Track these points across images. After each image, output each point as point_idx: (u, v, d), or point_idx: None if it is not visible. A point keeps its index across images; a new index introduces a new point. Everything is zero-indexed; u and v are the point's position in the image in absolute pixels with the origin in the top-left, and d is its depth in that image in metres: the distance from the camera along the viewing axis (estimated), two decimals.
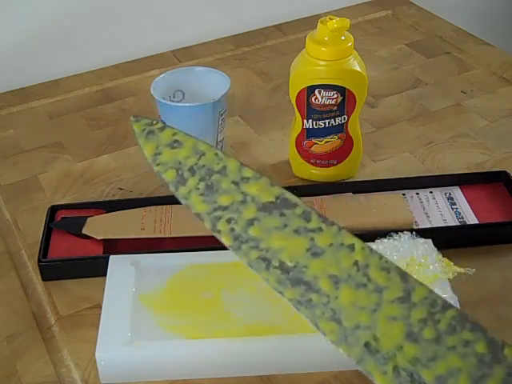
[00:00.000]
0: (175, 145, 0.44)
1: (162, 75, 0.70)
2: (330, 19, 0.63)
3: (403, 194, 0.67)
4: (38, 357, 0.54)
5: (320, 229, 0.40)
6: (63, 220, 0.64)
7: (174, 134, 0.44)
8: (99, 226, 0.63)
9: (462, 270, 0.54)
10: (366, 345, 0.37)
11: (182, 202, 0.42)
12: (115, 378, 0.51)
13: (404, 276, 0.39)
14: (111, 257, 0.57)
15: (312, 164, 0.70)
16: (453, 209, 0.66)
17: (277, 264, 0.40)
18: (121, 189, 0.71)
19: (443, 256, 0.55)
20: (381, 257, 0.39)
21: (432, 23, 1.03)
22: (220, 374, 0.51)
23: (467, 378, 0.36)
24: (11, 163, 0.76)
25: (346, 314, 0.38)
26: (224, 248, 0.58)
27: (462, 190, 0.68)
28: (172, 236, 0.62)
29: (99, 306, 0.54)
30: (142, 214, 0.63)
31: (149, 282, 0.55)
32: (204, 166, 0.43)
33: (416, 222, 0.64)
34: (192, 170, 0.43)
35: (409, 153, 0.75)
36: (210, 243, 0.61)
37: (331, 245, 0.40)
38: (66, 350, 0.55)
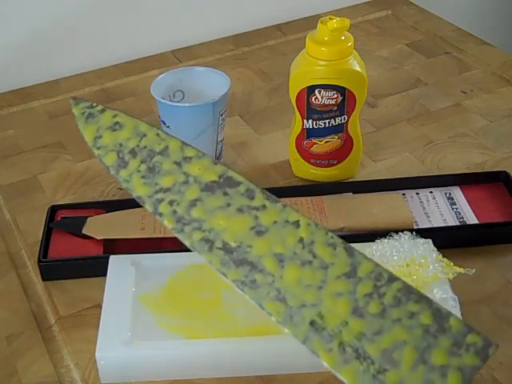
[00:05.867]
0: (116, 127, 0.43)
1: (161, 75, 0.70)
2: (330, 19, 0.63)
3: (403, 194, 0.67)
4: (38, 357, 0.54)
5: (264, 206, 0.40)
6: (63, 220, 0.64)
7: (114, 116, 0.44)
8: (99, 226, 0.63)
9: (461, 270, 0.54)
10: (312, 323, 0.37)
11: (123, 185, 0.42)
12: (115, 378, 0.51)
13: (350, 251, 0.39)
14: (111, 257, 0.57)
15: (312, 164, 0.70)
16: (453, 209, 0.66)
17: (220, 245, 0.39)
18: (121, 189, 0.71)
19: (443, 256, 0.55)
20: (326, 232, 0.39)
21: (432, 23, 1.03)
22: (220, 374, 0.51)
23: (412, 349, 0.36)
24: (11, 163, 0.76)
25: (291, 293, 0.38)
26: None
27: (462, 190, 0.68)
28: (172, 236, 0.62)
29: (99, 306, 0.54)
30: (142, 214, 0.63)
31: (149, 282, 0.55)
32: (145, 147, 0.42)
33: (416, 222, 0.64)
34: (133, 152, 0.42)
35: (409, 153, 0.75)
36: None
37: (276, 222, 0.40)
38: (66, 350, 0.55)
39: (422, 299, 0.37)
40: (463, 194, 0.68)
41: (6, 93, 0.89)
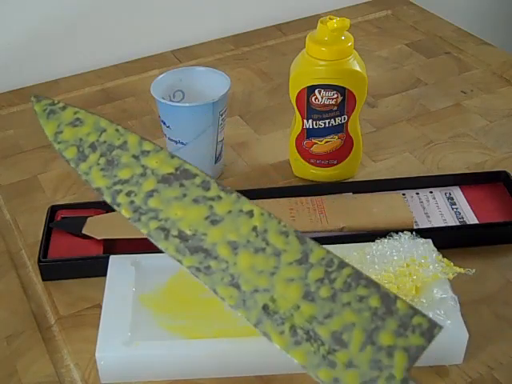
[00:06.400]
0: (77, 123, 0.45)
1: (161, 75, 0.70)
2: (330, 19, 0.63)
3: (403, 194, 0.67)
4: (38, 357, 0.54)
5: (219, 197, 0.42)
6: (63, 220, 0.64)
7: (75, 113, 0.45)
8: (99, 226, 0.63)
9: (462, 270, 0.54)
10: (264, 307, 0.38)
11: (83, 177, 0.43)
12: (115, 378, 0.51)
13: (302, 238, 0.40)
14: (111, 257, 0.57)
15: (312, 164, 0.70)
16: (453, 209, 0.66)
17: (176, 233, 0.41)
18: None
19: (443, 256, 0.55)
20: (279, 221, 0.41)
21: (432, 23, 1.03)
22: (220, 374, 0.51)
23: (361, 331, 0.37)
24: (11, 163, 0.76)
25: (244, 279, 0.39)
26: None
27: (462, 190, 0.68)
28: None
29: (99, 306, 0.54)
30: None
31: (149, 281, 0.55)
32: (105, 141, 0.44)
33: (416, 221, 0.64)
34: (93, 147, 0.44)
35: (409, 153, 0.75)
36: None
37: (230, 212, 0.41)
38: (66, 350, 0.55)
39: (371, 284, 0.38)
40: (463, 194, 0.68)
41: (5, 93, 0.89)
